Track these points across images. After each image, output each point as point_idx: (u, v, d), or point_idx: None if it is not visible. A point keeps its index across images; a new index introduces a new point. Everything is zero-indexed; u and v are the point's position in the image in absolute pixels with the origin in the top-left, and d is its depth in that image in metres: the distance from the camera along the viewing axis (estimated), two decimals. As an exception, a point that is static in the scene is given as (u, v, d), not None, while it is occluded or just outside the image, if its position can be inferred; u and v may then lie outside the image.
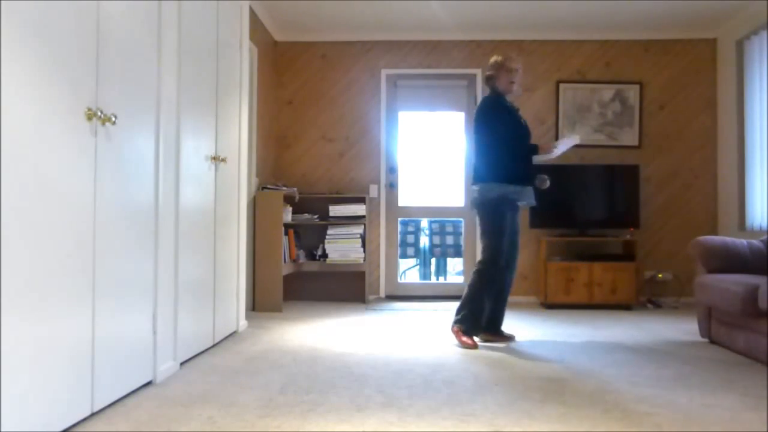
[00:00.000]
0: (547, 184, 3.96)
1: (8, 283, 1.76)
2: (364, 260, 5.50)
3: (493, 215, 3.65)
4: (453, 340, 3.81)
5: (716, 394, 2.65)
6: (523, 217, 5.68)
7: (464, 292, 3.73)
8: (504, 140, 3.69)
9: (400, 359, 3.29)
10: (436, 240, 7.18)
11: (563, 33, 5.78)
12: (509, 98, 3.84)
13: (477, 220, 3.87)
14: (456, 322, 3.69)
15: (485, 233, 3.68)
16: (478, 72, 5.85)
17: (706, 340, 3.87)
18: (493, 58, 3.83)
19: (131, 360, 2.54)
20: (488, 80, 3.83)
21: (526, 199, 3.74)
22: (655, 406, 2.46)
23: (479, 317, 3.65)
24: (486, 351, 3.51)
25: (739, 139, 5.39)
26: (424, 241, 7.25)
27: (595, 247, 5.57)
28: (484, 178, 3.70)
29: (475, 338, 3.72)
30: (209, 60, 3.47)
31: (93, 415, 2.26)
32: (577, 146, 5.77)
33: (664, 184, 5.77)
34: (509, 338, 3.80)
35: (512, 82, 3.77)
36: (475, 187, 3.72)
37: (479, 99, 5.84)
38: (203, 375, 2.91)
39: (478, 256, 5.75)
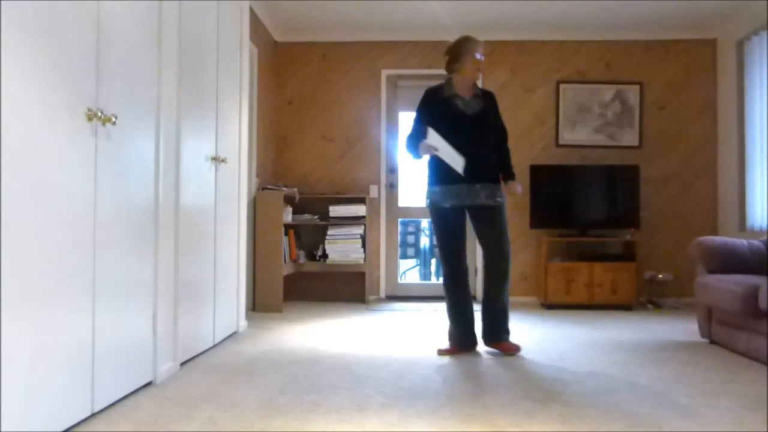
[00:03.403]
0: (518, 190, 3.51)
1: (8, 284, 1.76)
2: (365, 260, 5.50)
3: (432, 222, 3.51)
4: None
5: (716, 394, 2.65)
6: (523, 218, 5.68)
7: None
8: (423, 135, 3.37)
9: (401, 359, 3.28)
10: (437, 240, 7.17)
11: (563, 33, 5.78)
12: (463, 85, 3.47)
13: None
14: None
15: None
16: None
17: (706, 340, 3.87)
18: (458, 38, 3.50)
19: (131, 360, 2.54)
20: (450, 62, 3.48)
21: (452, 200, 3.38)
22: (655, 406, 2.45)
23: (452, 326, 3.53)
24: (486, 352, 3.51)
25: (740, 140, 5.39)
26: (425, 242, 7.25)
27: (595, 247, 5.56)
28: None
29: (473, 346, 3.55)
30: (209, 60, 3.47)
31: (93, 415, 2.26)
32: (577, 146, 5.79)
33: (665, 184, 5.77)
34: (510, 348, 3.43)
35: (478, 69, 3.46)
36: None
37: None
38: (203, 375, 2.91)
39: (479, 258, 5.77)
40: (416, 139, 3.44)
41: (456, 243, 3.47)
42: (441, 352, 3.46)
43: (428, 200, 3.49)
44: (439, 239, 3.50)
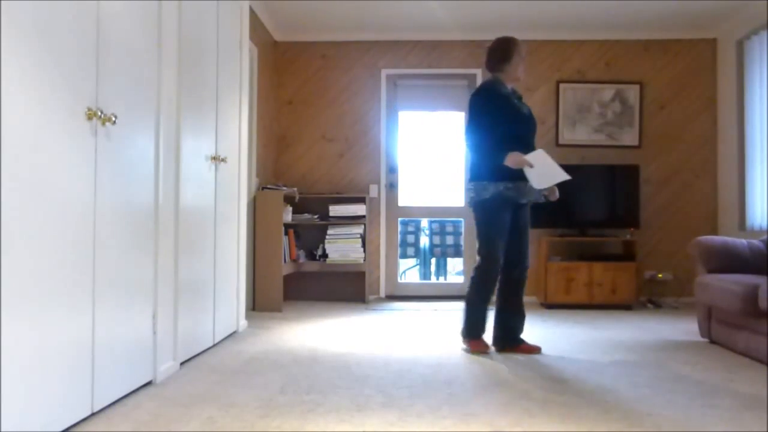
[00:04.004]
0: (557, 195, 3.56)
1: (8, 284, 1.76)
2: (364, 260, 5.50)
3: (487, 217, 3.40)
4: (455, 341, 3.80)
5: (716, 394, 2.65)
6: (523, 217, 5.68)
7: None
8: (498, 132, 3.35)
9: (401, 359, 3.28)
10: (436, 240, 7.18)
11: (563, 33, 5.78)
12: (510, 86, 3.52)
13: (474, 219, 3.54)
14: (461, 333, 3.54)
15: (479, 236, 3.45)
16: (478, 72, 5.84)
17: (706, 340, 3.87)
18: (503, 37, 3.49)
19: (131, 360, 2.54)
20: (500, 62, 3.46)
21: (527, 197, 3.43)
22: (655, 406, 2.46)
23: (476, 322, 3.47)
24: (495, 353, 3.51)
25: (739, 139, 5.39)
26: (424, 241, 7.25)
27: (595, 247, 5.56)
28: (478, 176, 3.43)
29: (489, 343, 3.52)
30: (209, 60, 3.47)
31: (93, 415, 2.26)
32: (577, 146, 5.79)
33: (664, 184, 5.77)
34: (532, 349, 3.48)
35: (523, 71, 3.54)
36: (470, 186, 3.47)
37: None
38: (203, 375, 2.91)
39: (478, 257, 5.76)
40: (491, 140, 3.35)
41: (505, 240, 3.44)
42: (488, 348, 3.46)
43: (496, 194, 3.36)
44: (493, 235, 3.40)
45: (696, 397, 2.59)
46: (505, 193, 3.37)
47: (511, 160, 3.27)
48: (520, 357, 3.36)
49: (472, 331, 3.50)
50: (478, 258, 3.48)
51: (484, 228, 3.43)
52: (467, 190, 3.49)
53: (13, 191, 1.79)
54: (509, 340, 3.53)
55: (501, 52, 3.47)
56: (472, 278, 3.48)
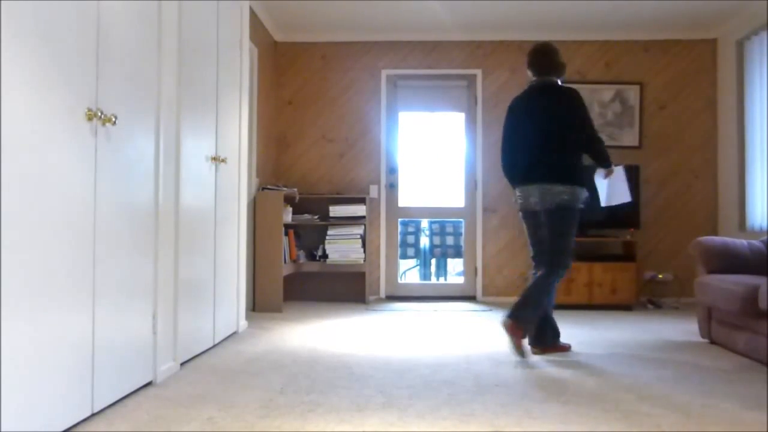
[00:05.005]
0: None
1: (8, 284, 1.76)
2: (365, 261, 5.50)
3: (575, 223, 3.43)
4: (455, 341, 3.80)
5: (716, 394, 2.65)
6: (524, 218, 5.68)
7: (529, 290, 3.36)
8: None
9: (401, 359, 3.28)
10: (437, 240, 7.18)
11: (563, 33, 5.78)
12: None
13: (556, 221, 3.41)
14: (516, 317, 3.24)
15: (565, 237, 3.39)
16: (479, 72, 5.84)
17: (706, 340, 3.87)
18: (554, 45, 3.54)
19: (131, 360, 2.54)
20: (559, 68, 3.53)
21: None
22: (655, 406, 2.46)
23: (551, 322, 3.52)
24: (486, 352, 3.51)
25: (740, 140, 5.39)
26: (425, 242, 7.25)
27: (595, 247, 5.56)
28: (576, 179, 3.39)
29: (528, 348, 3.44)
30: (209, 60, 3.47)
31: (93, 415, 2.26)
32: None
33: (665, 184, 5.77)
34: (565, 348, 3.55)
35: None
36: (563, 188, 3.35)
37: (479, 99, 5.84)
38: (203, 375, 2.91)
39: (479, 258, 5.77)
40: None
41: None
42: (566, 347, 3.51)
43: (585, 201, 3.45)
44: (572, 237, 3.43)
45: (696, 397, 2.59)
46: (586, 201, 3.47)
47: (610, 170, 3.56)
48: (526, 358, 3.36)
49: (529, 328, 3.40)
50: (557, 259, 3.38)
51: (572, 231, 3.43)
52: (559, 191, 3.37)
53: (13, 191, 1.79)
54: (553, 338, 3.52)
55: (559, 58, 3.53)
56: (552, 282, 3.40)
